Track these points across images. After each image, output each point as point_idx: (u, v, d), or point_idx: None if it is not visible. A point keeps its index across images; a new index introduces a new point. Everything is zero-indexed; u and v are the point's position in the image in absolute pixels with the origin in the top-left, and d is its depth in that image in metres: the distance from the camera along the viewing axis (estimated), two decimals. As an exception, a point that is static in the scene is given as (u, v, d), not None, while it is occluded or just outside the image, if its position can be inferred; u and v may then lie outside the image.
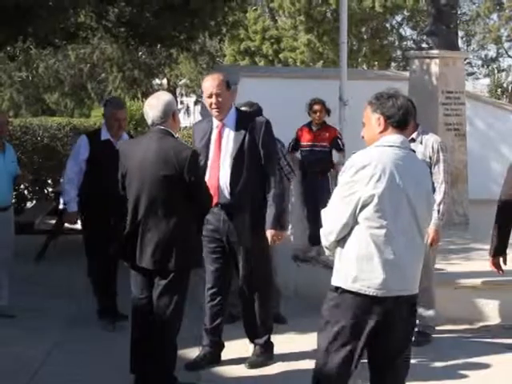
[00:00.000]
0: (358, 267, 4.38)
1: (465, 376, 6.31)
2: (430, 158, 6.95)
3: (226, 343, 6.57)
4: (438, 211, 6.94)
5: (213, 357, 6.50)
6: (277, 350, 6.53)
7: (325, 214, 4.55)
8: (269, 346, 6.53)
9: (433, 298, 7.13)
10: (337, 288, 4.46)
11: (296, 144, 9.74)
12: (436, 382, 6.18)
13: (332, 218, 4.48)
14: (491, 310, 7.52)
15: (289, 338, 7.03)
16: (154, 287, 5.81)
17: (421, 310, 7.10)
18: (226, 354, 6.56)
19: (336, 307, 4.46)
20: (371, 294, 4.35)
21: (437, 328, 7.21)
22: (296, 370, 6.17)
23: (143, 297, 5.89)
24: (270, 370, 6.38)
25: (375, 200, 4.32)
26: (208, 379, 6.22)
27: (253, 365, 6.42)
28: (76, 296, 8.63)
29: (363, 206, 4.35)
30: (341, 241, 4.47)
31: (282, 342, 6.40)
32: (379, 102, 4.56)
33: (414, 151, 4.71)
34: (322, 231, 4.56)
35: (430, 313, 7.10)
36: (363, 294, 4.36)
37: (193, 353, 6.57)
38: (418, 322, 7.07)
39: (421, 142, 7.00)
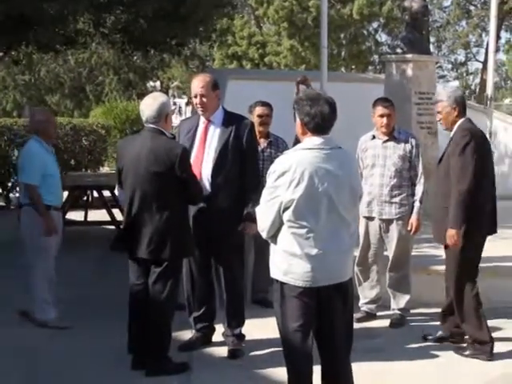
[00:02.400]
0: (286, 262, 4.51)
1: (436, 356, 6.34)
2: (410, 152, 6.99)
3: (216, 326, 6.55)
4: (421, 201, 6.97)
5: (204, 339, 6.50)
6: (264, 333, 6.54)
7: (257, 212, 4.66)
8: (243, 336, 6.50)
9: (409, 284, 7.17)
10: (276, 280, 4.60)
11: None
12: (410, 361, 6.22)
13: (260, 218, 4.60)
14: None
15: (274, 321, 7.04)
16: (149, 274, 5.85)
17: (398, 295, 7.16)
18: (216, 337, 6.55)
19: (280, 296, 4.61)
20: (300, 285, 4.48)
21: (411, 311, 7.25)
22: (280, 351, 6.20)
23: (139, 283, 5.92)
24: (257, 351, 6.39)
25: (295, 203, 4.39)
26: (199, 359, 6.22)
27: (236, 355, 6.32)
28: (82, 284, 8.63)
29: (285, 209, 4.43)
30: (273, 236, 4.56)
31: (269, 324, 6.37)
32: (298, 106, 4.55)
33: (340, 147, 4.59)
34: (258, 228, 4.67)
35: (407, 297, 7.13)
36: (294, 285, 4.48)
37: (186, 335, 6.58)
38: (395, 305, 7.16)
39: (400, 140, 7.03)
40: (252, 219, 6.12)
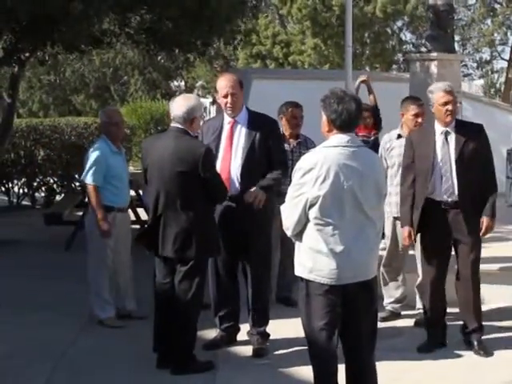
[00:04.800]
0: (312, 259, 4.52)
1: (460, 356, 6.30)
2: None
3: (241, 325, 6.56)
4: None
5: (229, 338, 6.51)
6: (288, 332, 6.54)
7: (282, 210, 4.66)
8: (268, 334, 6.49)
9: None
10: (301, 278, 4.61)
11: None
12: (433, 361, 6.19)
13: (286, 215, 4.61)
14: (485, 294, 7.48)
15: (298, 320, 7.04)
16: (175, 273, 5.87)
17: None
18: (241, 336, 6.56)
19: (306, 294, 4.62)
20: (325, 282, 4.49)
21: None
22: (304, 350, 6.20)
23: (166, 282, 5.95)
24: (281, 350, 6.39)
25: (320, 200, 4.42)
26: (224, 358, 6.24)
27: (261, 354, 6.31)
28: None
29: (311, 206, 4.45)
30: (298, 234, 4.57)
31: (294, 323, 6.37)
32: (325, 103, 4.57)
33: (364, 146, 4.76)
34: (283, 226, 4.67)
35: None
36: (320, 283, 4.48)
37: (211, 334, 6.59)
38: (420, 305, 7.13)
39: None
40: (263, 189, 6.07)
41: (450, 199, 6.19)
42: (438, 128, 6.27)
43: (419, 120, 6.95)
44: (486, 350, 6.27)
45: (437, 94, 6.25)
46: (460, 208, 6.17)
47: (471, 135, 6.21)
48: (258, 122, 6.23)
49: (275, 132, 6.35)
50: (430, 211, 6.24)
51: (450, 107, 6.18)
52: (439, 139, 6.24)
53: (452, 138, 6.21)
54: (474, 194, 6.17)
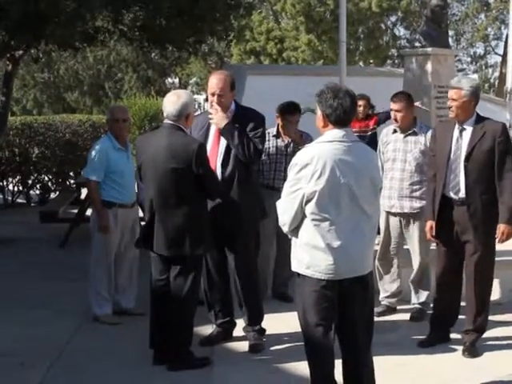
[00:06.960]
0: (308, 255, 4.52)
1: (455, 350, 6.31)
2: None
3: (237, 321, 6.56)
4: None
5: (225, 334, 6.52)
6: (284, 327, 6.55)
7: (278, 206, 4.66)
8: (264, 330, 6.50)
9: (429, 278, 7.12)
10: (298, 274, 4.62)
11: None
12: (430, 355, 6.20)
13: (282, 211, 4.61)
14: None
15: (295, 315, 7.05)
16: (171, 270, 5.88)
17: (419, 289, 7.14)
18: (237, 331, 6.57)
19: (302, 290, 4.63)
20: (322, 278, 4.50)
21: (432, 305, 7.22)
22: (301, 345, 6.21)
23: (162, 278, 5.95)
24: (277, 345, 6.40)
25: (317, 195, 4.42)
26: (220, 354, 6.24)
27: (257, 349, 6.32)
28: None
29: (307, 201, 4.46)
30: (295, 230, 4.58)
31: (290, 318, 6.38)
32: (320, 98, 4.58)
33: (359, 141, 4.73)
34: (279, 222, 4.68)
35: (427, 291, 7.10)
36: (316, 278, 4.49)
37: (207, 330, 6.60)
38: (415, 299, 7.14)
39: (421, 134, 6.99)
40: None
41: (456, 197, 6.09)
42: (457, 123, 6.14)
43: (398, 115, 6.96)
44: (472, 353, 6.18)
45: None
46: (466, 207, 6.04)
47: (488, 133, 5.98)
48: (243, 117, 6.19)
49: (255, 124, 6.17)
50: (443, 207, 6.18)
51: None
52: (455, 135, 6.12)
53: (467, 134, 6.06)
54: (483, 194, 6.01)
